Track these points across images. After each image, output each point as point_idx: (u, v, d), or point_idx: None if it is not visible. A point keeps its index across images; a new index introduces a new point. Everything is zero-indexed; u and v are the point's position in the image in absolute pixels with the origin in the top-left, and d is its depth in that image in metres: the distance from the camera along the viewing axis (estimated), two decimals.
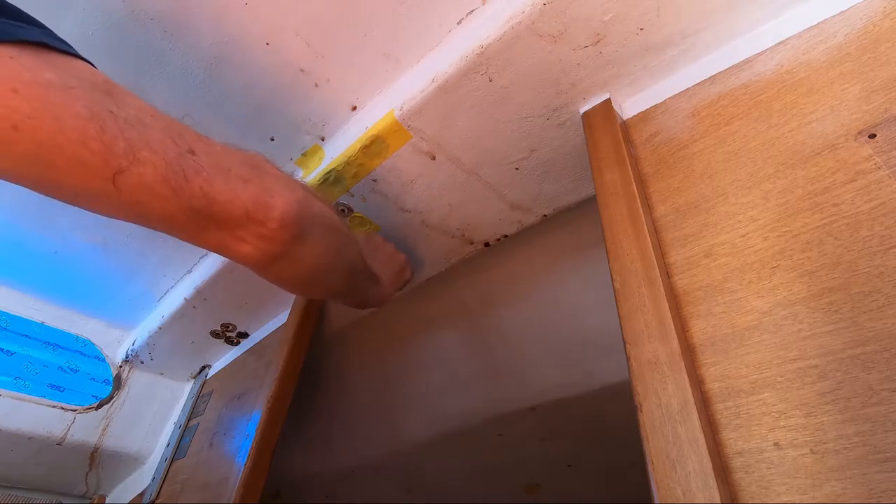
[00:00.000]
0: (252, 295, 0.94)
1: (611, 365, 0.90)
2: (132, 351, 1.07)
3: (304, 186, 0.48)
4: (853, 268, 0.36)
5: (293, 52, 0.63)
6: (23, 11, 0.34)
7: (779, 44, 0.50)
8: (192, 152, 0.38)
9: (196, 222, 0.39)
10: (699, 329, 0.41)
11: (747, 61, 0.51)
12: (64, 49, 0.35)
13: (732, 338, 0.38)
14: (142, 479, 1.07)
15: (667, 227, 0.48)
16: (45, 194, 0.35)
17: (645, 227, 0.46)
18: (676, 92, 0.56)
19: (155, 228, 0.39)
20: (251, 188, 0.41)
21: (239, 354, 1.05)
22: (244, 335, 1.04)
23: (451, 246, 0.84)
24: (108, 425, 1.08)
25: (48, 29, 0.35)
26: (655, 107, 0.57)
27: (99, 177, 0.33)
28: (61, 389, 1.21)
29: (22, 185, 0.34)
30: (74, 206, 0.36)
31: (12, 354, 1.14)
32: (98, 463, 1.09)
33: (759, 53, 0.51)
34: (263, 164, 0.44)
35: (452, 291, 0.99)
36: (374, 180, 0.72)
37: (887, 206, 0.36)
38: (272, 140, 0.74)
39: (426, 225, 0.79)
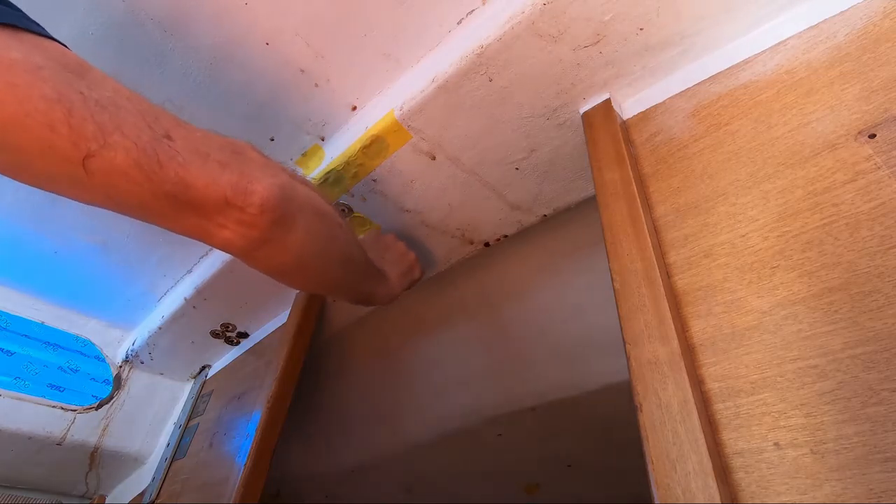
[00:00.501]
0: (252, 295, 0.94)
1: (611, 365, 0.90)
2: (132, 351, 1.07)
3: (289, 173, 0.47)
4: (853, 268, 0.36)
5: (293, 52, 0.63)
6: None
7: (779, 44, 0.50)
8: (169, 137, 0.37)
9: (173, 208, 0.38)
10: (699, 329, 0.41)
11: (747, 61, 0.51)
12: (36, 31, 0.33)
13: (732, 338, 0.38)
14: (142, 479, 1.07)
15: (667, 227, 0.48)
16: (19, 179, 0.34)
17: (645, 227, 0.46)
18: (676, 92, 0.56)
19: (132, 215, 0.39)
20: (229, 173, 0.40)
21: (239, 354, 1.05)
22: (244, 335, 1.04)
23: (451, 246, 0.84)
24: (108, 425, 1.08)
25: (21, 11, 0.34)
26: (655, 107, 0.57)
27: (69, 161, 0.32)
28: (61, 389, 1.21)
29: None
30: (50, 191, 0.36)
31: (12, 354, 1.14)
32: (98, 463, 1.09)
33: (759, 53, 0.51)
34: (246, 150, 0.43)
35: (452, 291, 0.99)
36: (374, 180, 0.72)
37: (887, 206, 0.36)
38: (272, 140, 0.74)
39: (426, 225, 0.79)
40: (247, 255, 0.44)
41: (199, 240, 0.42)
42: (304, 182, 0.50)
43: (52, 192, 0.36)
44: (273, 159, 0.46)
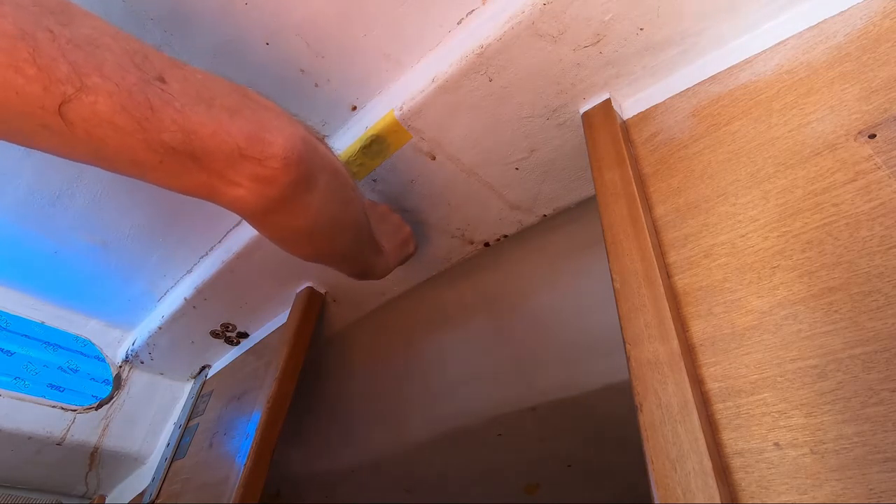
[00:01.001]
0: (252, 295, 0.94)
1: (611, 365, 0.90)
2: (132, 351, 1.07)
3: (305, 125, 0.42)
4: (853, 268, 0.36)
5: (293, 52, 0.63)
6: None
7: (779, 44, 0.50)
8: (161, 79, 0.32)
9: (173, 162, 0.33)
10: (699, 329, 0.41)
11: (747, 61, 0.51)
12: None
13: (732, 338, 0.38)
14: (142, 479, 1.07)
15: (667, 227, 0.48)
16: None
17: (645, 227, 0.46)
18: (676, 92, 0.56)
19: (130, 174, 0.34)
20: (241, 121, 0.35)
21: (239, 354, 1.05)
22: (244, 335, 1.04)
23: (451, 246, 0.84)
24: (108, 425, 1.08)
25: None
26: (655, 107, 0.57)
27: (43, 109, 0.28)
28: (61, 389, 1.21)
29: None
30: (35, 148, 0.32)
31: (12, 354, 1.14)
32: (98, 463, 1.09)
33: (759, 53, 0.51)
34: (257, 97, 0.38)
35: (452, 291, 0.99)
36: (375, 180, 0.72)
37: (887, 206, 0.36)
38: None
39: (426, 225, 0.79)
40: (259, 218, 0.40)
41: (207, 199, 0.37)
42: (319, 138, 0.45)
43: (39, 150, 0.32)
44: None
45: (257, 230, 0.43)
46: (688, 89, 0.55)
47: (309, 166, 0.39)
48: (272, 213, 0.39)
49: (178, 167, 0.34)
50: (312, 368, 1.07)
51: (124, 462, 1.12)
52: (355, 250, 0.56)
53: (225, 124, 0.34)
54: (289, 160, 0.37)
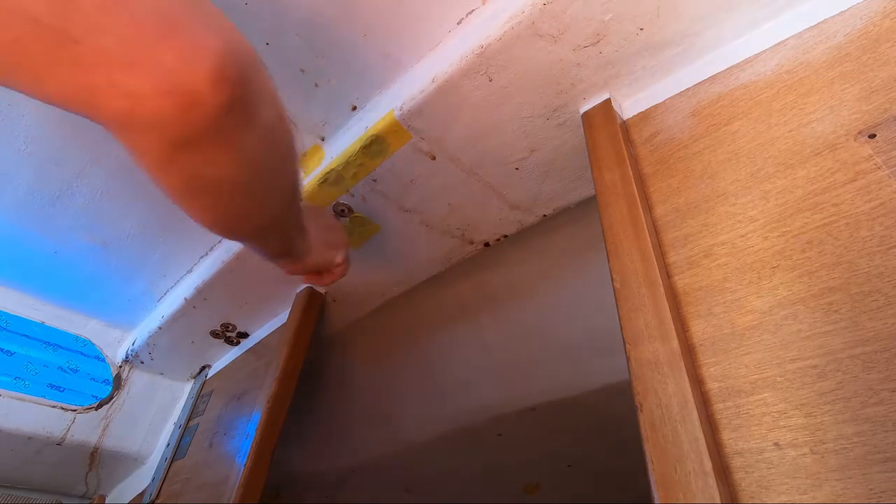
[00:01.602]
0: (252, 295, 0.94)
1: (611, 365, 0.90)
2: (132, 351, 1.07)
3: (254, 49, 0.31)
4: (853, 268, 0.36)
5: (293, 52, 0.63)
6: None
7: (779, 44, 0.50)
8: None
9: (34, 41, 0.22)
10: (699, 329, 0.41)
11: (747, 61, 0.51)
12: None
13: (732, 338, 0.38)
14: (142, 479, 1.07)
15: (667, 227, 0.48)
16: None
17: (645, 227, 0.46)
18: (676, 92, 0.56)
19: None
20: (159, 7, 0.24)
21: (239, 354, 1.05)
22: (244, 335, 1.04)
23: (451, 246, 0.84)
24: (108, 425, 1.08)
25: None
26: (655, 107, 0.57)
27: None
28: (61, 389, 1.21)
29: None
30: None
31: (12, 354, 1.14)
32: (98, 463, 1.09)
33: (759, 53, 0.51)
34: None
35: (452, 291, 0.99)
36: (374, 180, 0.72)
37: (887, 206, 0.36)
38: None
39: (426, 225, 0.79)
40: (166, 154, 0.27)
41: (82, 113, 0.25)
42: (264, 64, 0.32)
43: None
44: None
45: (153, 175, 0.29)
46: (688, 89, 0.55)
47: (250, 92, 0.27)
48: (186, 148, 0.27)
49: (41, 52, 0.22)
50: (312, 368, 1.07)
51: (124, 462, 1.12)
52: (284, 224, 0.44)
53: (130, 5, 0.23)
54: (223, 75, 0.25)
